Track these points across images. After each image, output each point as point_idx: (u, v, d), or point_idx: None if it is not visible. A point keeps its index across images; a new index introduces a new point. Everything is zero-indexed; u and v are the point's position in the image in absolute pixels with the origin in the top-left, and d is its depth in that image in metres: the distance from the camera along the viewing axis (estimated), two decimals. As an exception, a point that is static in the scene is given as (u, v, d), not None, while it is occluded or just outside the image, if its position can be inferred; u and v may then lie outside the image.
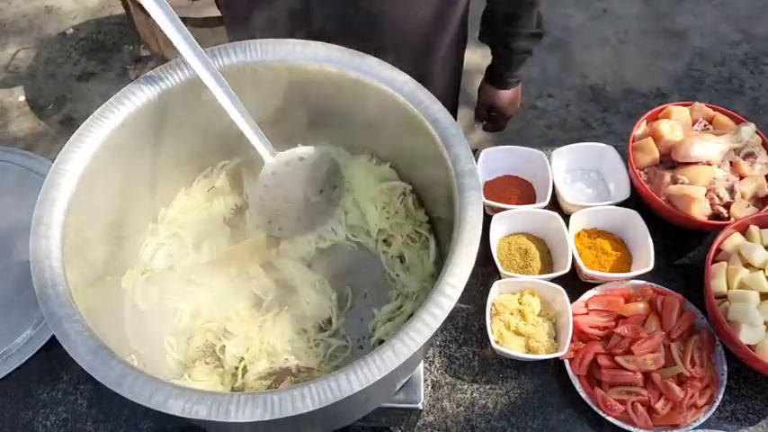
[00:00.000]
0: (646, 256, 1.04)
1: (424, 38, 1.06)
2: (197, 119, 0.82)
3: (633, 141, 1.15)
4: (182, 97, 0.78)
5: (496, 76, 1.27)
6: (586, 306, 1.01)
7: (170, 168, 0.86)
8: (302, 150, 0.79)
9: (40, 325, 0.98)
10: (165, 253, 0.87)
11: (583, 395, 0.94)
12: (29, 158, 1.17)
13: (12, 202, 1.11)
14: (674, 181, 1.08)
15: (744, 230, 1.04)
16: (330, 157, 0.82)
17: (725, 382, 0.95)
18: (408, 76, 0.77)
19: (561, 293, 1.00)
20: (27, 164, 1.16)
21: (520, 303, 1.01)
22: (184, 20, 0.75)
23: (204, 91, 0.72)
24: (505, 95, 1.29)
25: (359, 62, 0.78)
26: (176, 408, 0.56)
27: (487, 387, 0.98)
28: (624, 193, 1.13)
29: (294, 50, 0.79)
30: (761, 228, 1.03)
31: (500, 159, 1.17)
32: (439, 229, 0.90)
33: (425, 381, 0.97)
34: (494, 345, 0.96)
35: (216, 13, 2.11)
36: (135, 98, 0.75)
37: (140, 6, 2.62)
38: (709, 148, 1.07)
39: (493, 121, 1.39)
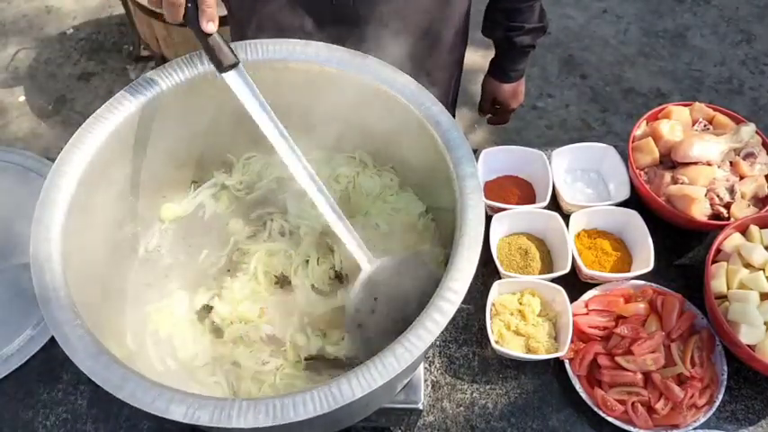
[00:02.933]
0: (646, 257, 1.04)
1: (428, 28, 1.06)
2: (197, 119, 0.82)
3: (633, 141, 1.15)
4: (182, 98, 0.78)
5: (500, 69, 1.29)
6: (586, 306, 1.01)
7: (171, 169, 0.87)
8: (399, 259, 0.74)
9: (39, 325, 0.98)
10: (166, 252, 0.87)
11: (583, 395, 0.94)
12: (28, 158, 1.17)
13: (11, 202, 1.11)
14: (674, 181, 1.08)
15: (744, 230, 1.04)
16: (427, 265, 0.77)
17: (725, 383, 0.95)
18: (409, 78, 0.77)
19: (561, 293, 1.00)
20: (27, 164, 1.16)
21: (520, 303, 1.01)
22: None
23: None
24: (508, 88, 1.31)
25: (360, 63, 0.78)
26: (178, 413, 0.56)
27: (487, 387, 0.98)
28: (624, 194, 1.13)
29: (295, 51, 0.79)
30: (761, 228, 1.03)
31: (500, 159, 1.17)
32: (440, 229, 0.89)
33: (425, 381, 0.97)
34: (494, 345, 0.96)
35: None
36: (135, 99, 0.75)
37: (140, 6, 2.60)
38: (709, 149, 1.07)
39: (496, 115, 1.40)
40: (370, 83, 0.77)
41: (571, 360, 0.97)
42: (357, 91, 0.79)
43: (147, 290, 0.84)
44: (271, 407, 0.56)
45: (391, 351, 0.59)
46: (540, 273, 1.05)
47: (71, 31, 2.82)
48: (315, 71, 0.79)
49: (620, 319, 1.00)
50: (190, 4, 0.66)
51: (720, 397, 0.94)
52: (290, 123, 0.88)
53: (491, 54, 1.29)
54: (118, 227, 0.81)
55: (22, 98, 2.58)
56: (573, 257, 1.03)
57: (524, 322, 0.99)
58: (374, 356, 0.59)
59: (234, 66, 0.69)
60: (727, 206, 1.06)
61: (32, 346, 0.96)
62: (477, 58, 1.31)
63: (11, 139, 2.45)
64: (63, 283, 0.63)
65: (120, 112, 0.74)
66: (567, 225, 1.07)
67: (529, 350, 0.98)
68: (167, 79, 0.76)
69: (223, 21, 0.77)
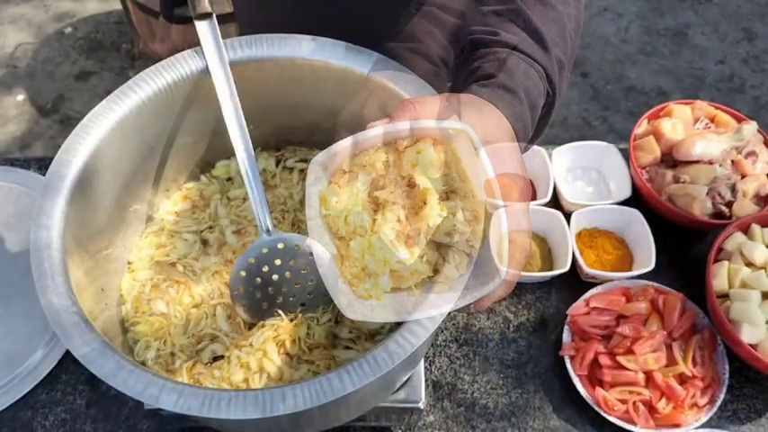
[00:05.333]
0: (647, 256, 1.04)
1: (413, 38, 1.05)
2: (197, 117, 0.82)
3: (634, 140, 1.14)
4: (182, 94, 0.78)
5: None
6: (587, 305, 1.01)
7: (171, 165, 0.86)
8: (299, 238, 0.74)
9: (53, 342, 0.96)
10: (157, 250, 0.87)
11: (584, 395, 0.94)
12: (28, 158, 1.16)
13: (11, 202, 1.11)
14: (676, 180, 1.08)
15: (745, 229, 1.04)
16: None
17: (726, 382, 0.95)
18: (413, 75, 0.77)
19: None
20: (26, 164, 1.16)
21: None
22: (186, 19, 0.74)
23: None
24: None
25: (363, 59, 0.77)
26: (169, 402, 0.56)
27: (488, 387, 0.98)
28: (625, 192, 1.12)
29: (300, 46, 0.78)
30: (762, 226, 1.03)
31: (500, 158, 1.17)
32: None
33: (426, 381, 0.97)
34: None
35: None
36: (134, 96, 0.74)
37: (139, 5, 2.58)
38: (710, 147, 1.07)
39: None
40: (373, 79, 0.77)
41: (572, 359, 0.97)
42: (359, 87, 0.78)
43: (145, 288, 0.83)
44: (261, 398, 0.56)
45: (384, 347, 0.59)
46: (541, 271, 1.05)
47: (69, 29, 2.81)
48: (319, 67, 0.79)
49: (621, 318, 1.00)
50: None
51: (722, 396, 0.93)
52: (291, 119, 0.89)
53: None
54: (116, 226, 0.80)
55: (21, 97, 2.58)
56: (574, 256, 1.03)
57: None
58: (367, 353, 0.59)
59: (207, 16, 0.73)
60: (729, 205, 1.06)
61: (43, 367, 0.95)
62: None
63: (10, 138, 2.45)
64: (62, 271, 0.63)
65: (118, 109, 0.73)
66: (568, 224, 1.07)
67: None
68: (166, 76, 0.76)
69: (220, 20, 0.76)
